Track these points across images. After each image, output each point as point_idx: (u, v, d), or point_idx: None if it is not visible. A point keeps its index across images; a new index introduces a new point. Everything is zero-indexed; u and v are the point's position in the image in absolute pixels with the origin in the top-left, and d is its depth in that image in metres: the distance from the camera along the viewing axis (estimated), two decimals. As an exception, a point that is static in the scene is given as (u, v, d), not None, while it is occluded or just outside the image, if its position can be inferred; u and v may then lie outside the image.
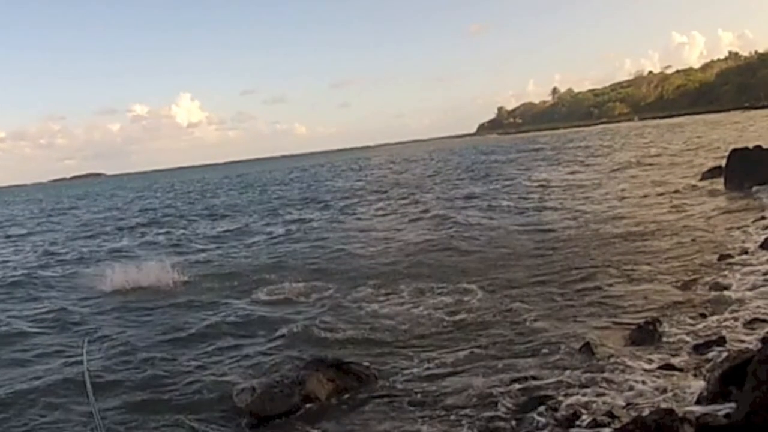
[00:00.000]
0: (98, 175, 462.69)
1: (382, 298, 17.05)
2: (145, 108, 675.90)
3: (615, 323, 12.94)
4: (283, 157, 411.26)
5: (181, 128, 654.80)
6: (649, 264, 17.40)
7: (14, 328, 17.55)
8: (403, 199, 44.44)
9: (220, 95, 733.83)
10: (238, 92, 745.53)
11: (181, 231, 38.56)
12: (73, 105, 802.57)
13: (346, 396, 10.82)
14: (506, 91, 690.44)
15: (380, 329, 14.25)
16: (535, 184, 44.44)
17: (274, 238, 31.23)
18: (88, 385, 4.65)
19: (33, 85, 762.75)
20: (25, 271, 26.89)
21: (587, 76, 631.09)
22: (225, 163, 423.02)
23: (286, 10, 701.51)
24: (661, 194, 30.84)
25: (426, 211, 35.31)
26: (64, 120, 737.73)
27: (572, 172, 50.56)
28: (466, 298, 15.99)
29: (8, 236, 47.68)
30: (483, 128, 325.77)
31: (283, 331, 14.79)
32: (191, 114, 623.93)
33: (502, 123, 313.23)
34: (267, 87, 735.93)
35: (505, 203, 35.11)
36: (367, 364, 11.78)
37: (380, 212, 37.58)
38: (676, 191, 31.09)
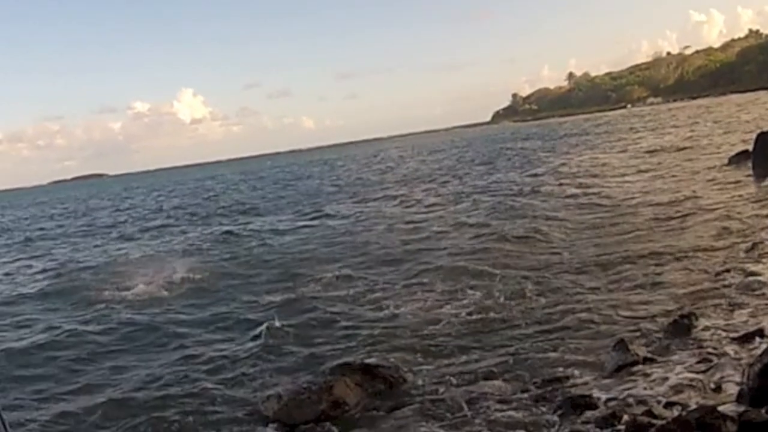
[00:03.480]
0: (100, 175, 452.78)
1: (418, 296, 16.84)
2: (145, 105, 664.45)
3: (649, 317, 12.70)
4: (292, 151, 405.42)
5: (184, 125, 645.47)
6: (679, 253, 17.09)
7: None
8: (441, 187, 44.52)
9: (223, 90, 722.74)
10: (242, 86, 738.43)
11: (209, 230, 38.09)
12: (71, 104, 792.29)
13: (376, 401, 10.63)
14: (520, 77, 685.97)
15: (411, 329, 14.06)
16: (571, 170, 44.20)
17: (304, 234, 30.86)
18: None
19: (28, 85, 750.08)
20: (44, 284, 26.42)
21: (603, 60, 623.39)
22: (231, 160, 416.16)
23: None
24: (691, 180, 30.47)
25: (464, 199, 35.51)
26: (63, 120, 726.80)
27: (601, 158, 50.13)
28: (497, 294, 15.72)
29: (29, 239, 47.67)
30: (498, 116, 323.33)
31: (310, 333, 14.71)
32: (194, 110, 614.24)
33: (517, 110, 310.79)
34: (271, 80, 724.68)
35: (547, 189, 35.18)
36: (395, 366, 11.60)
37: (422, 204, 36.83)
38: (706, 177, 30.65)
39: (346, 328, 14.80)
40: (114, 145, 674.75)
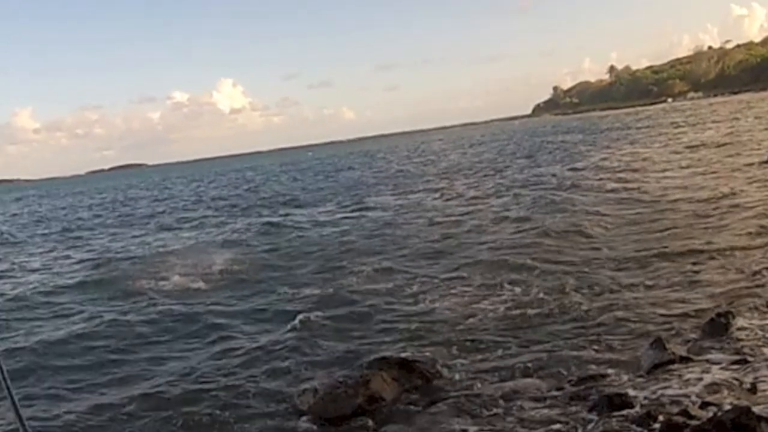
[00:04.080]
0: (139, 165, 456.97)
1: (456, 290, 16.87)
2: (185, 95, 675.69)
3: (685, 315, 12.66)
4: (332, 142, 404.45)
5: (224, 115, 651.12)
6: (716, 251, 16.97)
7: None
8: (482, 181, 44.91)
9: (263, 80, 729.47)
10: (281, 77, 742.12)
11: (249, 220, 38.22)
12: (110, 93, 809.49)
13: (412, 396, 10.64)
14: (561, 69, 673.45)
15: (449, 323, 14.09)
16: (612, 164, 44.03)
17: (345, 226, 30.98)
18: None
19: (67, 74, 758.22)
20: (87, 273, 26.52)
21: (644, 53, 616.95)
22: (271, 150, 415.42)
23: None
24: (731, 177, 30.13)
25: (505, 193, 35.57)
26: (101, 109, 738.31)
27: (642, 153, 49.85)
28: (535, 289, 15.73)
29: (66, 229, 48.21)
30: (539, 109, 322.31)
31: (347, 326, 14.79)
32: (233, 100, 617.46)
33: (558, 103, 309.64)
34: (311, 71, 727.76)
35: (587, 183, 35.27)
36: (432, 361, 11.61)
37: (463, 197, 36.91)
38: (746, 174, 30.32)
39: (384, 321, 14.86)
40: (153, 134, 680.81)
